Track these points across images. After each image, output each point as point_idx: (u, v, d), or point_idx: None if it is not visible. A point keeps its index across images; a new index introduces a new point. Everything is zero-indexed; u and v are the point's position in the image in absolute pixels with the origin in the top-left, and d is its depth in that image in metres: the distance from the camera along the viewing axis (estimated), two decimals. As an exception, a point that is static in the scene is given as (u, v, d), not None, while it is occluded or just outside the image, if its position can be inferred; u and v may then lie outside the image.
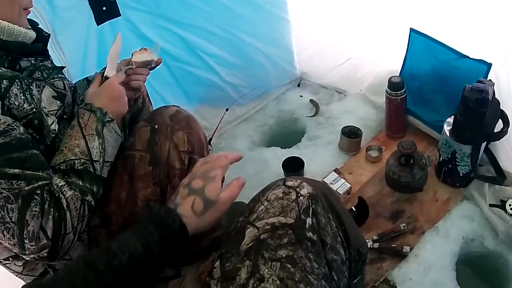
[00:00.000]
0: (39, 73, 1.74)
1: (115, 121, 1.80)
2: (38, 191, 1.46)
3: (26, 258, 1.53)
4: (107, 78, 1.94)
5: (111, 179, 1.85)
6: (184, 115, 2.03)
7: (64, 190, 1.55)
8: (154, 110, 2.11)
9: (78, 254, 1.79)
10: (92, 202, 1.65)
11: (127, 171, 1.87)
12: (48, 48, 1.90)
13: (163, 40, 2.86)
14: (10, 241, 1.45)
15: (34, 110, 1.58)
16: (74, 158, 1.64)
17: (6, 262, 1.75)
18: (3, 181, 1.42)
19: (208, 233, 2.12)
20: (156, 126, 1.92)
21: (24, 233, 1.43)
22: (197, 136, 2.02)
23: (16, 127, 1.49)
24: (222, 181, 1.50)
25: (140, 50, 2.06)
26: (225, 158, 1.55)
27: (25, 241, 1.44)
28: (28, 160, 1.50)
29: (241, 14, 3.07)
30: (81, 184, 1.61)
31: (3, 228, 1.43)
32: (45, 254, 1.49)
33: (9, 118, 1.49)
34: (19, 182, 1.44)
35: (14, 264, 1.75)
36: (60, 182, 1.56)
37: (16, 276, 1.82)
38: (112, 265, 1.24)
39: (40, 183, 1.48)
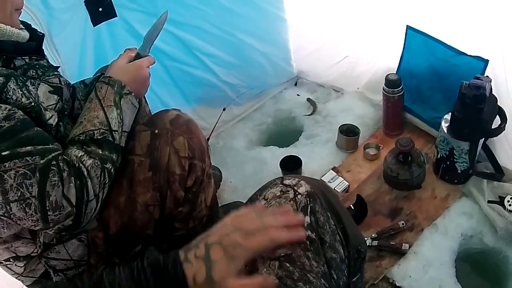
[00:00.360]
0: (33, 71, 1.74)
1: (132, 94, 1.84)
2: (54, 162, 1.49)
3: (49, 232, 1.57)
4: (139, 55, 1.98)
5: (111, 183, 1.81)
6: (185, 119, 2.00)
7: (84, 160, 1.59)
8: (154, 114, 2.08)
9: (79, 254, 1.78)
10: (112, 170, 1.69)
11: (127, 176, 1.84)
12: (43, 48, 1.90)
13: (160, 40, 2.80)
14: (33, 217, 1.46)
15: (33, 104, 1.59)
16: (93, 128, 1.68)
17: (7, 263, 1.75)
18: (17, 160, 1.43)
19: None
20: (156, 131, 1.90)
21: (47, 205, 1.46)
22: (198, 141, 1.99)
23: (16, 111, 1.50)
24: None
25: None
26: (273, 237, 1.21)
27: (48, 213, 1.46)
28: (36, 136, 1.53)
29: (238, 13, 3.06)
30: (100, 152, 1.66)
31: (24, 205, 1.45)
32: (70, 222, 1.52)
33: (7, 105, 1.50)
34: (34, 157, 1.46)
35: (15, 265, 1.75)
36: (79, 153, 1.60)
37: (17, 278, 1.82)
38: None
39: (53, 154, 1.52)
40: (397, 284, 2.38)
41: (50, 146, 1.54)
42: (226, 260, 1.17)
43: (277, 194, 1.37)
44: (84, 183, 1.53)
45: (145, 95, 2.29)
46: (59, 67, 1.97)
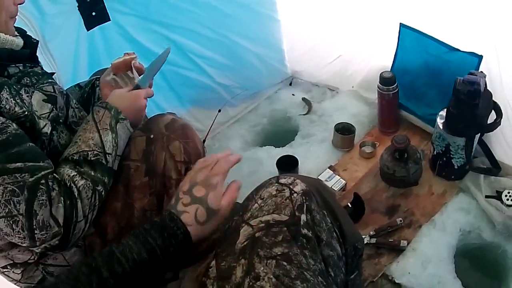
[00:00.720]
0: (28, 79, 1.73)
1: (127, 120, 1.83)
2: (43, 181, 1.48)
3: (36, 251, 1.56)
4: (138, 87, 1.99)
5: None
6: (180, 123, 1.99)
7: (76, 180, 1.58)
8: (149, 118, 2.06)
9: (76, 259, 1.77)
10: (103, 193, 1.68)
11: (123, 182, 1.83)
12: (38, 55, 1.89)
13: (154, 44, 2.86)
14: (20, 234, 1.45)
15: (26, 113, 1.58)
16: (87, 149, 1.67)
17: (4, 270, 1.73)
18: (6, 176, 1.42)
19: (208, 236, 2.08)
20: (152, 136, 1.89)
21: (34, 223, 1.44)
22: (194, 145, 1.99)
23: (10, 124, 1.50)
24: None
25: (130, 56, 2.07)
26: (226, 164, 1.51)
27: (35, 231, 1.45)
28: (28, 152, 1.52)
29: (231, 15, 3.06)
30: (93, 174, 1.64)
31: (11, 222, 1.44)
32: (57, 242, 1.50)
33: (1, 117, 1.49)
34: (23, 175, 1.46)
35: (13, 272, 1.73)
36: (71, 172, 1.59)
37: (15, 284, 1.80)
38: (116, 271, 1.23)
39: (43, 172, 1.50)
40: (396, 281, 2.37)
41: (41, 163, 1.53)
42: (211, 190, 1.41)
43: (273, 193, 1.35)
44: (74, 204, 1.53)
45: None
46: (54, 73, 1.96)
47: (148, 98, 1.99)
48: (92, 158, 1.65)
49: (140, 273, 1.26)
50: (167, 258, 1.29)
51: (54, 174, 1.53)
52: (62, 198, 1.49)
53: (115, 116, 1.78)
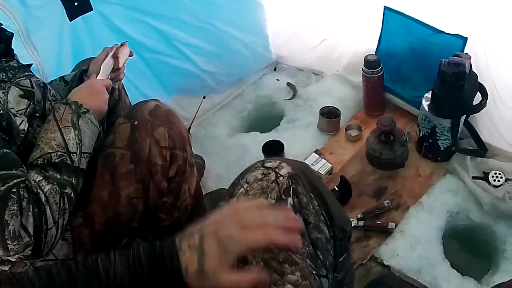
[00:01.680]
0: (3, 74, 1.64)
1: (90, 112, 1.72)
2: (14, 189, 1.38)
3: (12, 260, 1.46)
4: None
5: (93, 178, 1.76)
6: (164, 109, 1.93)
7: (42, 185, 1.47)
8: (133, 105, 2.01)
9: (64, 253, 1.71)
10: (72, 195, 1.57)
11: (109, 170, 1.78)
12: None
13: (138, 33, 2.80)
14: None
15: (1, 112, 1.50)
16: (51, 151, 1.56)
17: (-8, 267, 1.64)
18: None
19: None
20: (136, 123, 1.83)
21: (5, 234, 1.36)
22: (178, 131, 1.92)
23: None
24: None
25: (120, 47, 2.03)
26: (271, 237, 1.10)
27: (8, 242, 1.37)
28: (0, 160, 1.43)
29: (216, 2, 3.00)
30: (58, 177, 1.54)
31: None
32: (29, 252, 1.42)
33: None
34: None
35: (1, 269, 1.64)
36: (37, 178, 1.49)
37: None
38: (93, 286, 1.13)
39: (15, 181, 1.41)
40: (385, 263, 2.35)
41: (14, 171, 1.44)
42: (219, 252, 1.10)
43: (258, 177, 1.32)
44: (43, 211, 1.44)
45: (123, 87, 2.25)
46: (31, 65, 1.88)
47: (129, 92, 1.94)
48: (57, 160, 1.56)
49: None
50: (150, 285, 1.15)
51: (26, 182, 1.45)
52: (31, 206, 1.41)
53: (76, 111, 1.68)
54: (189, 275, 1.09)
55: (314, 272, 1.22)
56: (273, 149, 2.87)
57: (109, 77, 1.97)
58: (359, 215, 2.52)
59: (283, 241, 1.10)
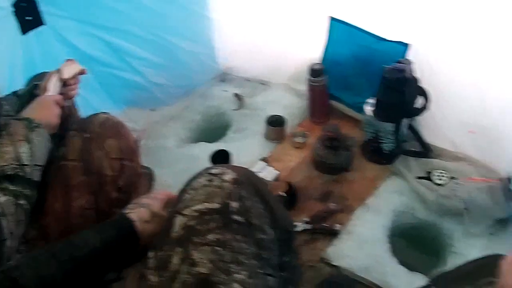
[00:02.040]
0: None
1: (42, 126, 1.73)
2: None
3: None
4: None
5: (46, 191, 1.75)
6: (114, 121, 1.95)
7: None
8: (84, 118, 2.01)
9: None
10: (27, 206, 1.57)
11: (61, 182, 1.77)
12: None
13: (88, 46, 2.80)
14: None
15: None
16: (4, 164, 1.55)
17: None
18: None
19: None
20: (87, 135, 1.84)
21: None
22: (127, 142, 1.94)
23: None
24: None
25: (66, 62, 2.02)
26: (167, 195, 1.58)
27: None
28: None
29: (163, 14, 2.98)
30: (13, 188, 1.53)
31: None
32: None
33: None
34: None
35: None
36: None
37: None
38: (74, 255, 1.24)
39: None
40: (334, 264, 2.35)
41: None
42: (152, 200, 1.58)
43: (203, 183, 1.35)
44: None
45: (75, 102, 2.24)
46: None
47: (80, 105, 1.96)
48: (10, 173, 1.55)
49: (95, 262, 1.27)
50: (119, 251, 1.31)
51: None
52: None
53: (28, 126, 1.69)
54: (144, 221, 1.43)
55: (260, 271, 1.25)
56: (221, 158, 2.87)
57: (60, 92, 1.97)
58: (306, 219, 2.53)
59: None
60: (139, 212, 1.50)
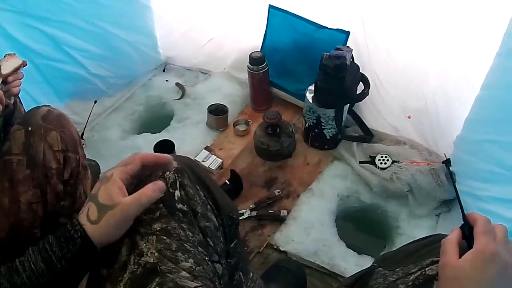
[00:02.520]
0: None
1: None
2: None
3: None
4: None
5: None
6: (56, 114, 1.89)
7: None
8: (26, 112, 1.96)
9: None
10: None
11: (7, 177, 1.72)
12: None
13: (28, 38, 2.68)
14: None
15: None
16: None
17: None
18: None
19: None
20: (30, 128, 1.78)
21: None
22: (70, 134, 1.88)
23: None
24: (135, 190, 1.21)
25: (5, 57, 1.92)
26: (134, 155, 1.27)
27: None
28: None
29: (104, 4, 2.91)
30: None
31: None
32: None
33: None
34: None
35: None
36: None
37: None
38: (15, 282, 1.12)
39: None
40: (282, 249, 2.37)
41: None
42: (105, 183, 1.18)
43: (147, 173, 1.32)
44: None
45: (18, 96, 2.13)
46: None
47: (23, 99, 1.96)
48: None
49: (40, 284, 1.12)
50: (67, 265, 1.13)
51: None
52: None
53: None
54: (93, 222, 1.13)
55: (206, 258, 1.24)
56: (164, 148, 2.85)
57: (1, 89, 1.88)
58: (251, 206, 2.52)
59: (153, 159, 1.26)
60: (87, 210, 1.16)
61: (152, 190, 1.19)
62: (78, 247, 1.10)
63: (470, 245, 1.03)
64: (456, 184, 2.33)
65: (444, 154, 2.44)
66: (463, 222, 1.09)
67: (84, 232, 1.11)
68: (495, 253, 0.99)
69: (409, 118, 2.61)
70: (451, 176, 1.25)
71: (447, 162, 1.60)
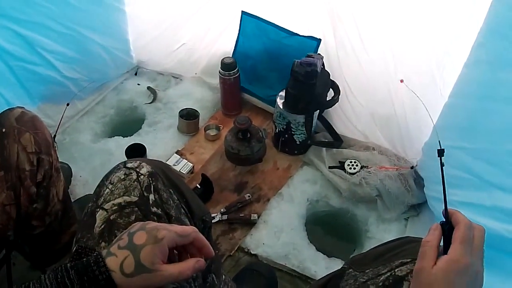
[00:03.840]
0: None
1: None
2: None
3: None
4: None
5: None
6: (29, 116, 1.87)
7: None
8: (0, 113, 1.89)
9: None
10: None
11: None
12: None
13: (3, 39, 2.63)
14: None
15: None
16: None
17: None
18: None
19: (66, 228, 2.02)
20: (4, 130, 1.76)
21: None
22: (43, 136, 1.86)
23: None
24: (171, 255, 1.13)
25: None
26: (191, 230, 1.15)
27: None
28: None
29: (79, 7, 2.86)
30: None
31: None
32: None
33: None
34: None
35: None
36: None
37: None
38: None
39: None
40: (252, 252, 2.37)
41: None
42: (152, 243, 1.07)
43: (121, 177, 1.36)
44: None
45: None
46: None
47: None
48: None
49: None
50: None
51: None
52: None
53: None
54: (129, 276, 1.04)
55: None
56: (136, 152, 2.82)
57: None
58: (222, 210, 2.52)
59: (202, 244, 1.15)
60: (122, 259, 1.06)
61: (192, 269, 1.11)
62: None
63: (446, 247, 1.02)
64: (424, 189, 2.38)
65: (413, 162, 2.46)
66: (444, 219, 1.08)
67: (110, 278, 1.03)
68: (469, 265, 0.98)
69: (401, 81, 2.42)
70: (441, 168, 1.22)
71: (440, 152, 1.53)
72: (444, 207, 1.10)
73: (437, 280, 0.98)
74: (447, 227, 1.06)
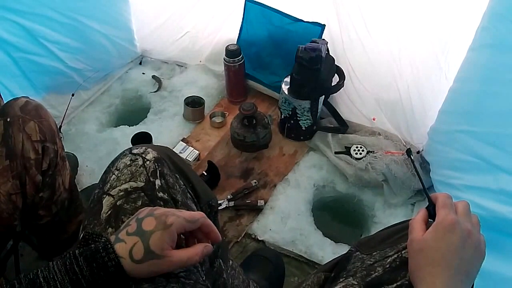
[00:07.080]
0: None
1: None
2: None
3: None
4: None
5: None
6: (34, 104, 1.85)
7: None
8: (5, 103, 1.87)
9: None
10: None
11: None
12: None
13: (5, 31, 2.61)
14: None
15: None
16: None
17: None
18: None
19: (73, 217, 2.01)
20: (9, 119, 1.74)
21: None
22: (48, 124, 1.84)
23: None
24: (179, 240, 1.13)
25: None
26: (199, 216, 1.17)
27: None
28: None
29: None
30: None
31: None
32: None
33: None
34: None
35: None
36: None
37: None
38: None
39: None
40: (259, 238, 2.36)
41: None
42: (161, 229, 1.08)
43: (127, 163, 1.33)
44: None
45: None
46: None
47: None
48: None
49: None
50: None
51: None
52: None
53: None
54: (138, 262, 1.05)
55: None
56: (142, 141, 2.81)
57: None
58: (229, 196, 2.51)
59: (210, 230, 1.18)
60: (131, 245, 1.07)
61: (201, 255, 1.13)
62: (110, 276, 1.04)
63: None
64: (430, 173, 2.37)
65: (408, 148, 2.43)
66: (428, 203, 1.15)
67: (119, 264, 1.03)
68: (455, 223, 1.03)
69: (373, 120, 2.63)
70: (413, 164, 1.29)
71: (408, 152, 1.62)
72: (424, 194, 1.20)
73: (426, 243, 1.04)
74: (432, 208, 1.12)
